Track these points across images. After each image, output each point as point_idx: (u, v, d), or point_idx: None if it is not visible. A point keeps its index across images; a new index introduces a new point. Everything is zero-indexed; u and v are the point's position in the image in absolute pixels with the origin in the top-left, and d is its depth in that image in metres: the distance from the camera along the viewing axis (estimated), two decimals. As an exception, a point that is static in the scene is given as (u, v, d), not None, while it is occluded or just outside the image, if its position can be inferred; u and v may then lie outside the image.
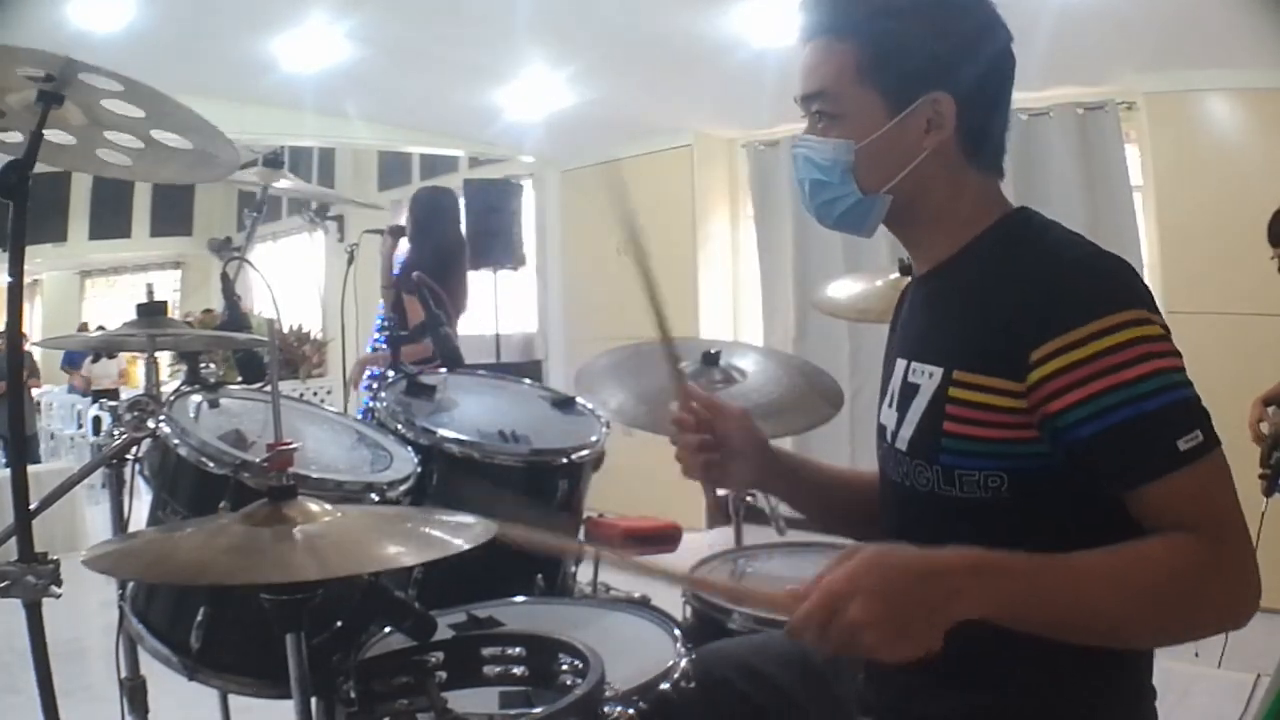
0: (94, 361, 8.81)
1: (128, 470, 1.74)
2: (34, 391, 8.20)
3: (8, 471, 2.19)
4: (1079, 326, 0.90)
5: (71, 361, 9.18)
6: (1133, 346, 0.90)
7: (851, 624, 0.84)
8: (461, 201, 5.20)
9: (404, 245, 3.83)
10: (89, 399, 8.52)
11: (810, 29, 1.07)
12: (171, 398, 1.65)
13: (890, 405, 1.11)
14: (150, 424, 1.61)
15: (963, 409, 0.99)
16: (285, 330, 8.12)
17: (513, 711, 1.12)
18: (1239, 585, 0.89)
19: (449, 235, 3.83)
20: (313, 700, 1.09)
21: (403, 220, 3.97)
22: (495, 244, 5.84)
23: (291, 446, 1.15)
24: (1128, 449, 0.90)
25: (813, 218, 1.13)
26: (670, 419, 1.24)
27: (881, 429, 1.13)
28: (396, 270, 3.76)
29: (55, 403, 9.17)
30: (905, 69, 1.02)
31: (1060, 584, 0.88)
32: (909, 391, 1.07)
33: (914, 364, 1.08)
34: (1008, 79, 1.07)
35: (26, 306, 1.44)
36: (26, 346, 6.67)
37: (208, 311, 7.72)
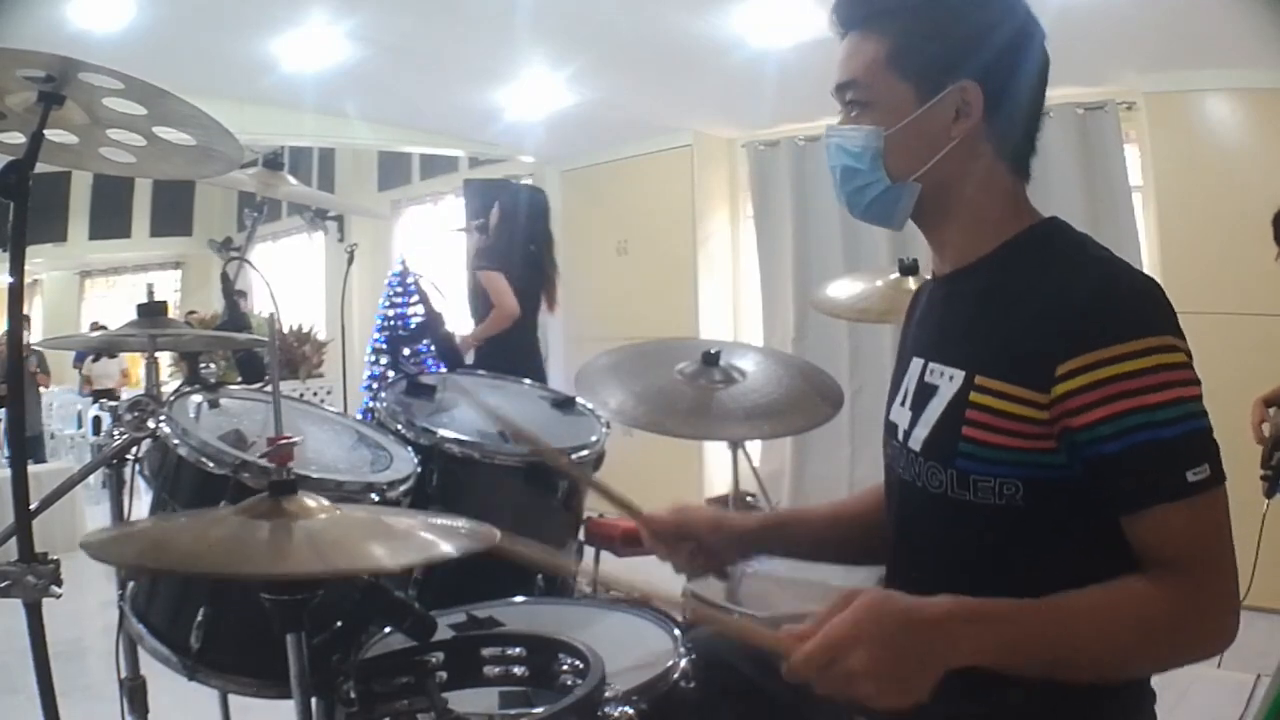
0: (94, 361, 8.81)
1: (128, 470, 1.74)
2: (40, 390, 8.18)
3: (8, 471, 2.19)
4: (1109, 345, 0.91)
5: (81, 359, 9.20)
6: (1158, 372, 0.90)
7: (851, 672, 0.87)
8: (461, 201, 5.23)
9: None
10: (89, 399, 8.52)
11: (844, 23, 1.09)
12: (171, 398, 1.65)
13: (903, 404, 1.11)
14: (150, 424, 1.61)
15: (984, 415, 0.99)
16: (285, 330, 8.12)
17: (513, 711, 1.12)
18: (1218, 626, 0.91)
19: (541, 232, 3.90)
20: (313, 700, 1.09)
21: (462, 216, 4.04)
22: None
23: (292, 440, 1.15)
24: (1138, 472, 0.91)
25: (845, 208, 1.14)
26: (648, 548, 1.29)
27: (892, 426, 1.13)
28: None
29: (55, 403, 9.17)
30: (933, 57, 1.03)
31: (1047, 629, 0.91)
32: (926, 392, 1.06)
33: (931, 364, 1.07)
34: (1039, 74, 1.08)
35: (26, 306, 1.44)
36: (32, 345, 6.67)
37: (192, 313, 7.71)
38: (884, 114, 1.05)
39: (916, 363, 1.10)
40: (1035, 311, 0.97)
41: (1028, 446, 0.96)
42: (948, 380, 1.03)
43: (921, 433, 1.05)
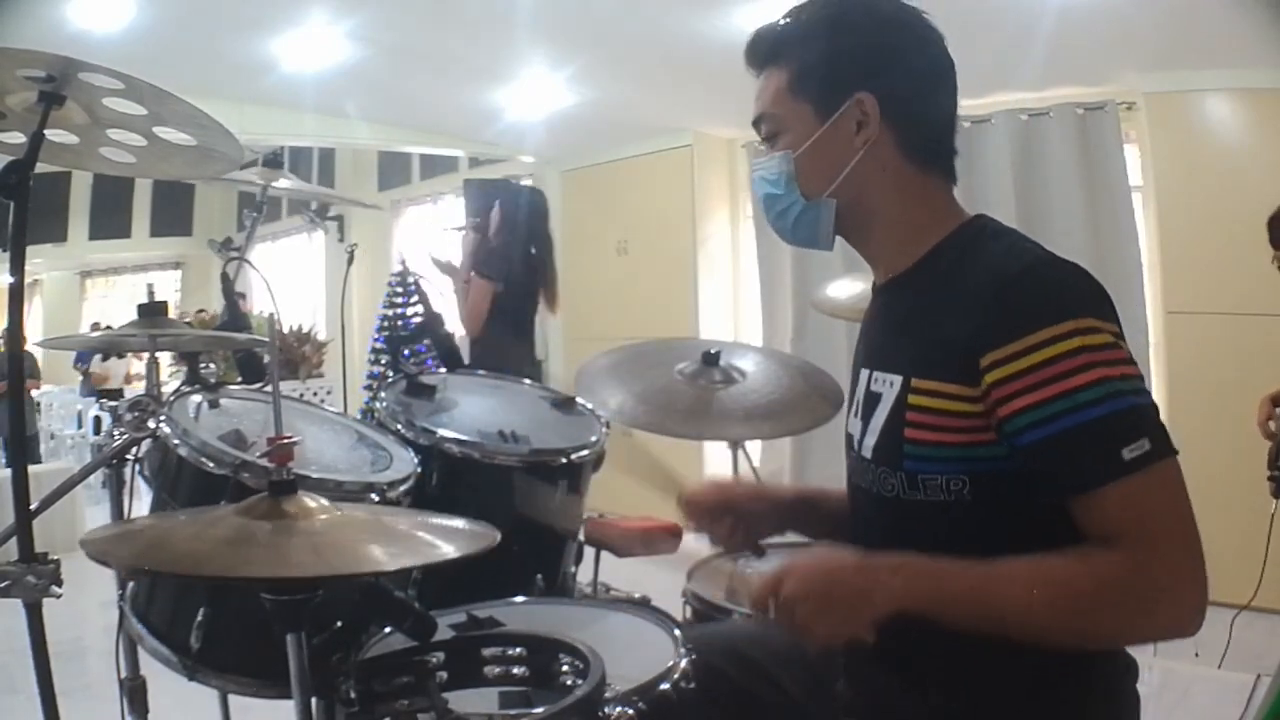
0: (104, 360, 8.81)
1: (128, 470, 1.74)
2: (34, 392, 8.19)
3: (8, 471, 2.19)
4: (1025, 335, 0.93)
5: (83, 359, 9.19)
6: (1076, 355, 0.92)
7: (788, 597, 0.97)
8: (461, 202, 5.22)
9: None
10: (90, 398, 8.52)
11: (754, 65, 1.17)
12: (172, 398, 1.65)
13: (856, 415, 1.15)
14: (150, 424, 1.61)
15: (922, 415, 1.02)
16: (285, 330, 8.12)
17: (513, 711, 1.12)
18: (1169, 602, 0.90)
19: (541, 234, 3.91)
20: (313, 700, 1.09)
21: (459, 216, 4.00)
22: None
23: (292, 440, 1.15)
24: (1071, 456, 0.92)
25: (777, 236, 1.19)
26: (689, 523, 1.32)
27: (849, 438, 1.16)
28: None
29: (55, 403, 9.16)
30: (827, 77, 1.09)
31: (973, 584, 0.94)
32: (872, 401, 1.10)
33: (875, 373, 1.11)
34: (938, 77, 1.10)
35: (26, 306, 1.44)
36: (26, 346, 6.66)
37: (200, 311, 7.71)
38: (792, 138, 1.12)
39: (864, 374, 1.14)
40: (957, 309, 1.00)
41: (968, 440, 0.99)
42: (889, 386, 1.07)
43: (871, 440, 1.09)
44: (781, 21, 1.14)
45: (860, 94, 1.07)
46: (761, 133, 1.16)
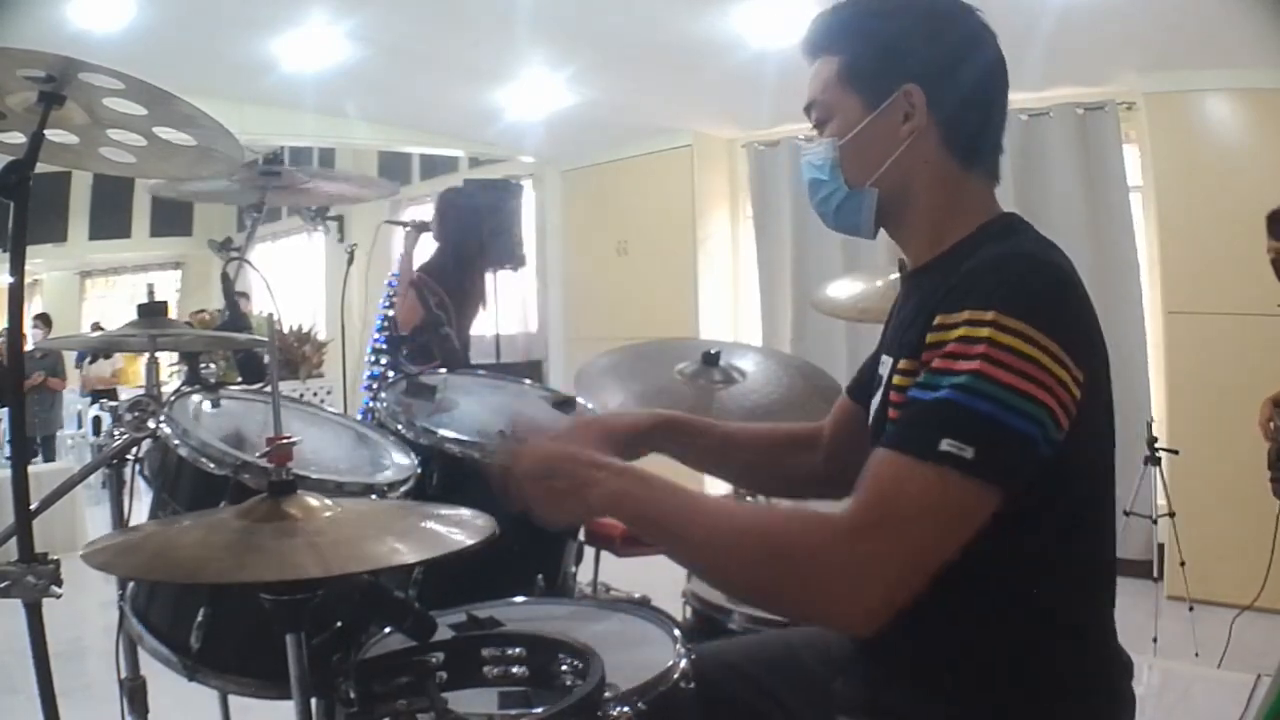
0: (91, 363, 8.80)
1: (128, 470, 1.74)
2: (62, 392, 8.22)
3: (8, 471, 2.19)
4: (957, 311, 0.94)
5: (83, 360, 9.19)
6: (976, 344, 0.91)
7: (518, 472, 1.07)
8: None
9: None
10: (89, 398, 8.51)
11: (809, 52, 1.18)
12: (172, 398, 1.65)
13: (873, 397, 1.18)
14: (150, 424, 1.61)
15: (899, 394, 1.03)
16: (285, 330, 8.12)
17: (513, 712, 1.12)
18: (856, 582, 0.89)
19: (468, 235, 3.85)
20: (313, 700, 1.09)
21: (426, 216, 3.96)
22: (495, 244, 5.84)
23: (291, 440, 1.15)
24: (908, 419, 0.94)
25: (820, 221, 1.21)
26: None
27: (868, 415, 1.20)
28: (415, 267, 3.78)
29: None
30: (877, 67, 1.10)
31: (680, 504, 0.99)
32: (878, 382, 1.14)
33: (884, 357, 1.15)
34: (987, 73, 1.10)
35: (26, 306, 1.44)
36: (29, 346, 6.66)
37: (200, 312, 7.71)
38: (840, 126, 1.13)
39: (883, 358, 1.17)
40: (937, 294, 1.00)
41: None
42: (886, 368, 1.10)
43: (870, 421, 1.15)
44: (835, 11, 1.15)
45: (908, 85, 1.08)
46: (811, 119, 1.18)
